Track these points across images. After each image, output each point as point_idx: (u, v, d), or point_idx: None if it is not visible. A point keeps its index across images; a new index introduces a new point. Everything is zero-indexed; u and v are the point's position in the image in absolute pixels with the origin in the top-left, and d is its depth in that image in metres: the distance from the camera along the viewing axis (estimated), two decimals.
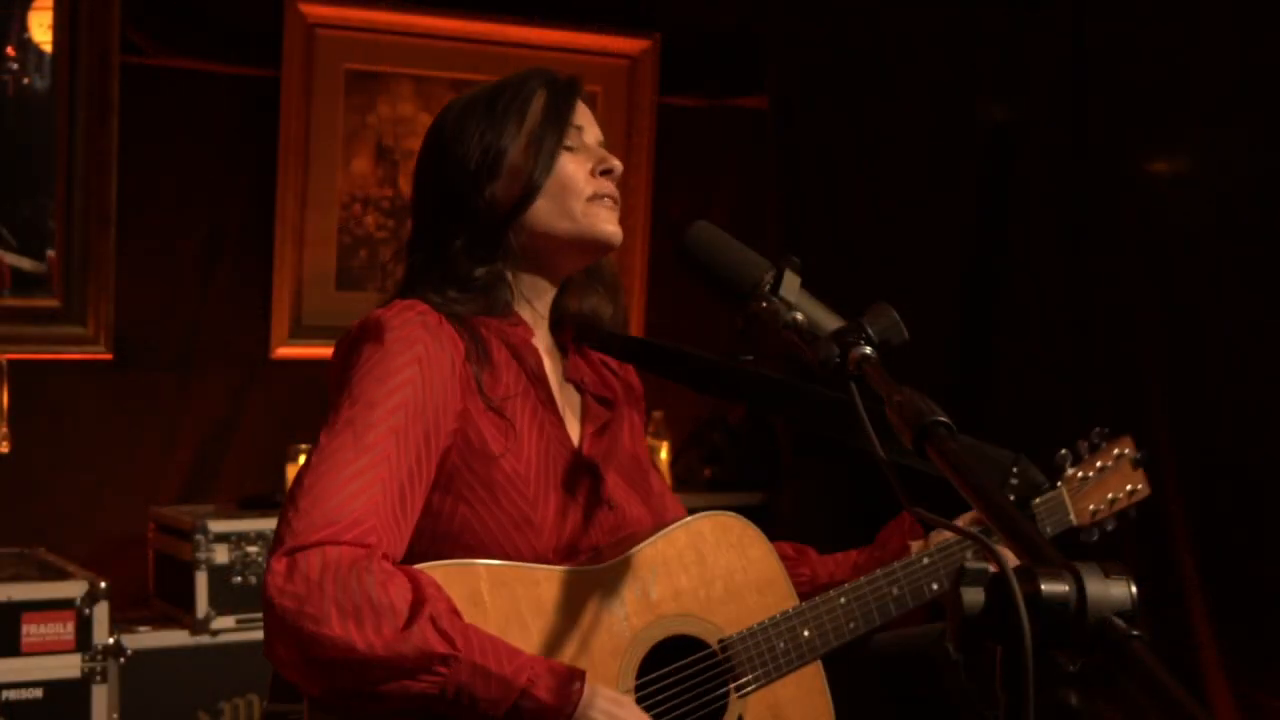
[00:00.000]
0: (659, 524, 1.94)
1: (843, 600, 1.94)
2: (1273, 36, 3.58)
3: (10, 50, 3.98)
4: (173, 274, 4.36)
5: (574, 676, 1.68)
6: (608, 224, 1.91)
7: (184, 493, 4.32)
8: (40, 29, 4.00)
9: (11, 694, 3.49)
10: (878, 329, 1.52)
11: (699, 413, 4.93)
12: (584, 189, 1.90)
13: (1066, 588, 1.07)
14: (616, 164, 1.94)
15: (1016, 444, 4.00)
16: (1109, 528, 2.24)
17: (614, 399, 2.00)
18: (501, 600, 1.73)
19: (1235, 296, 3.68)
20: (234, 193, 4.42)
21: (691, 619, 1.86)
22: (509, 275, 1.89)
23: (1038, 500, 2.14)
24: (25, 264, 4.04)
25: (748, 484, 4.78)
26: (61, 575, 3.66)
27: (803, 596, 1.97)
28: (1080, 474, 2.22)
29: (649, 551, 1.85)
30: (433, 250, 1.88)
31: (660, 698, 1.82)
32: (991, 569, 1.12)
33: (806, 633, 1.91)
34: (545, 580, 1.77)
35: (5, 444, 3.76)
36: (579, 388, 1.97)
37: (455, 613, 1.65)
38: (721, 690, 1.86)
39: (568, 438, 1.90)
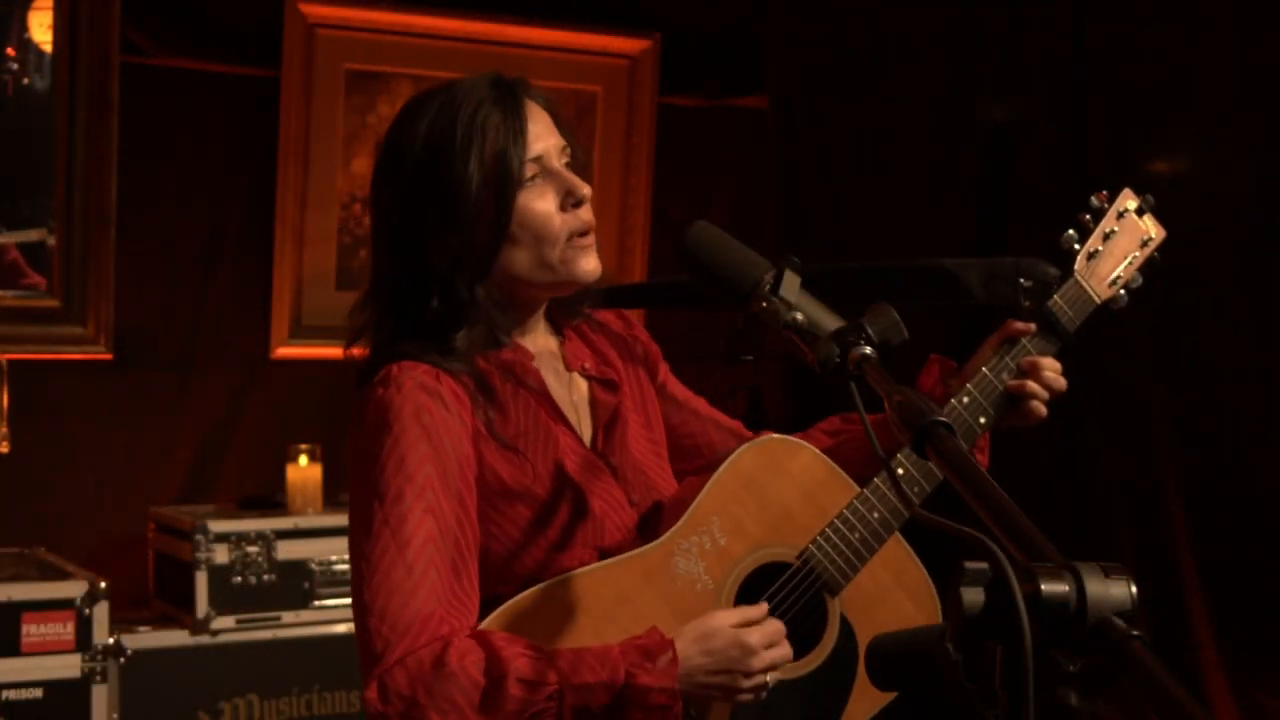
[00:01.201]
0: (688, 478, 1.98)
1: (900, 472, 1.94)
2: (1273, 36, 3.58)
3: (10, 50, 3.98)
4: (173, 274, 4.36)
5: (662, 646, 1.72)
6: (588, 263, 1.86)
7: (184, 493, 4.33)
8: (40, 29, 4.00)
9: (11, 694, 3.49)
10: (878, 329, 1.52)
11: None
12: (558, 232, 1.82)
13: (1066, 588, 1.07)
14: (585, 191, 1.84)
15: (1017, 443, 3.99)
16: (1136, 286, 2.17)
17: (618, 379, 1.99)
18: (587, 608, 1.79)
19: (1235, 296, 3.68)
20: (234, 193, 4.43)
21: (766, 549, 1.91)
22: (489, 320, 1.84)
23: (1056, 295, 2.09)
24: (32, 235, 4.03)
25: None
26: (61, 575, 3.66)
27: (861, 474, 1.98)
28: (1090, 250, 2.15)
29: (703, 506, 1.88)
30: (405, 311, 1.82)
31: None
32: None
33: (875, 514, 1.93)
34: (619, 573, 1.82)
35: (5, 444, 3.76)
36: (583, 374, 1.97)
37: (529, 651, 1.70)
38: (817, 598, 1.91)
39: (581, 445, 1.91)
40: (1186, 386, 3.75)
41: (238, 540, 3.87)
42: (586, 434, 1.93)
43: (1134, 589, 1.08)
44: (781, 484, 1.94)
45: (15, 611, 3.52)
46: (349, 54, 4.44)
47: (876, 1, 4.43)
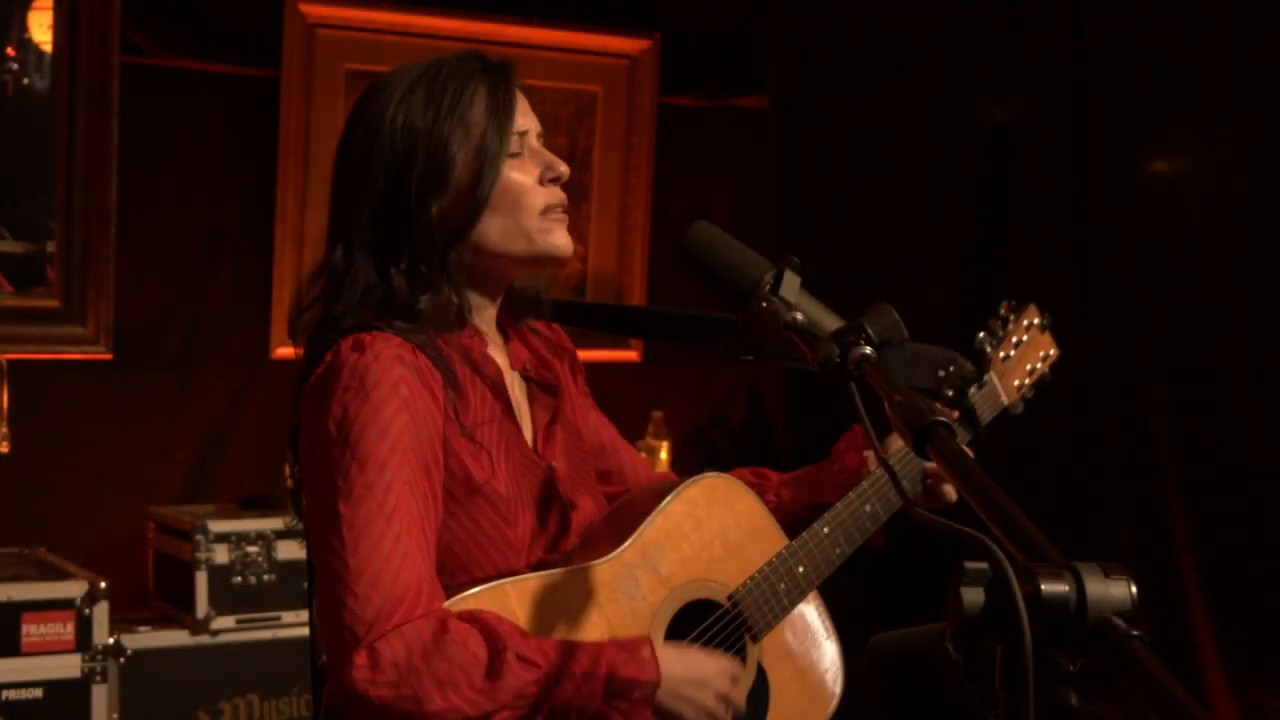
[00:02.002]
0: (619, 492, 2.03)
1: (826, 530, 2.03)
2: (1273, 36, 3.58)
3: (10, 50, 3.98)
4: (173, 274, 4.36)
5: (642, 644, 1.75)
6: (561, 238, 1.87)
7: (184, 493, 4.32)
8: (40, 29, 4.00)
9: (11, 694, 3.49)
10: (878, 329, 1.52)
11: (699, 413, 4.93)
12: (536, 203, 1.84)
13: (1066, 587, 1.07)
14: (564, 169, 1.88)
15: (1017, 443, 3.99)
16: (1029, 396, 2.31)
17: (556, 381, 2.00)
18: (531, 612, 1.78)
19: (1235, 296, 3.68)
20: (234, 193, 4.42)
21: (700, 583, 1.94)
22: (455, 295, 1.85)
23: (973, 390, 2.19)
24: (18, 248, 4.03)
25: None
26: (61, 575, 3.66)
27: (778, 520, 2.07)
28: (1002, 354, 2.27)
29: (650, 530, 1.90)
30: (369, 275, 1.81)
31: None
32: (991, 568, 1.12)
33: (801, 569, 2.00)
34: (562, 584, 1.82)
35: (5, 444, 3.76)
36: (524, 375, 1.97)
37: (525, 635, 1.71)
38: (740, 641, 1.95)
39: (526, 445, 1.91)
40: (1186, 386, 3.75)
41: (238, 540, 3.87)
42: (528, 435, 1.93)
43: (1134, 589, 1.08)
44: (725, 522, 1.99)
45: (15, 611, 3.52)
46: (349, 54, 4.44)
47: (876, 1, 4.43)
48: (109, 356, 4.17)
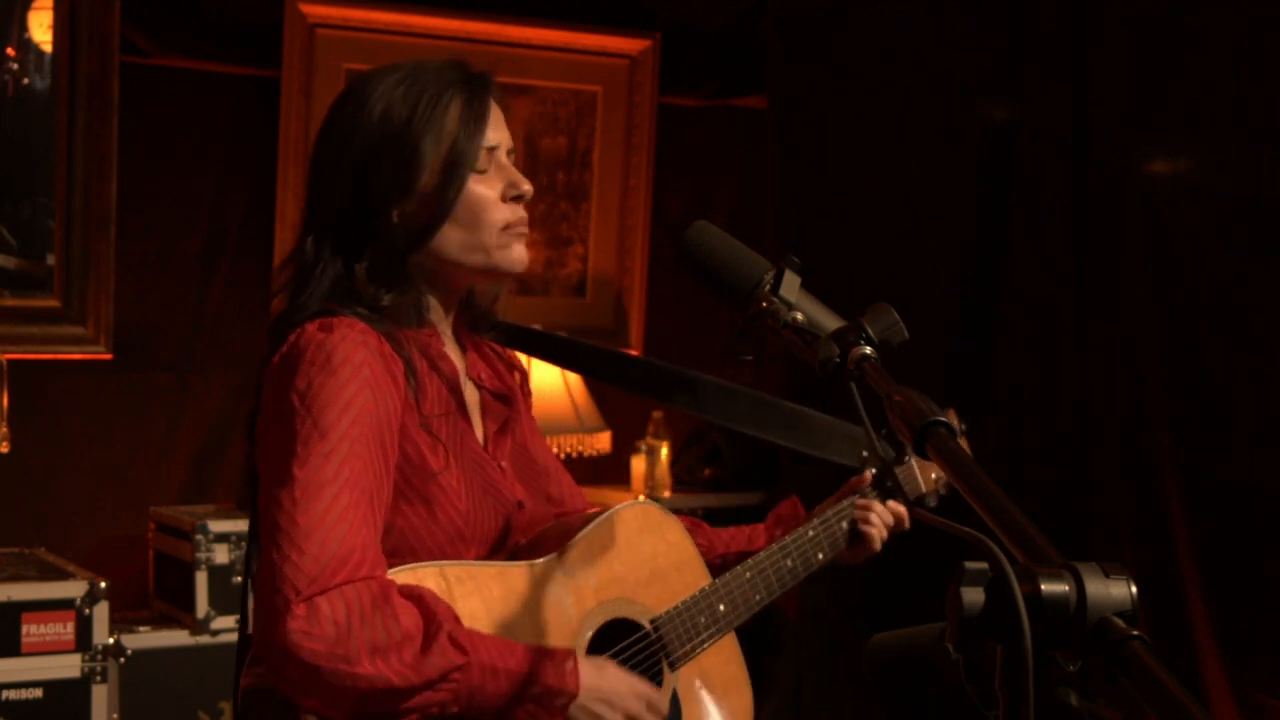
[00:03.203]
0: (562, 511, 2.08)
1: (748, 575, 2.10)
2: (1273, 37, 3.58)
3: (10, 50, 3.98)
4: (173, 274, 4.36)
5: (567, 655, 1.78)
6: (516, 253, 1.89)
7: (184, 493, 4.33)
8: (40, 29, 4.00)
9: (11, 694, 3.49)
10: (878, 329, 1.53)
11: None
12: (496, 220, 1.87)
13: (1066, 587, 1.07)
14: (527, 188, 1.90)
15: (1016, 443, 3.99)
16: (943, 493, 2.35)
17: (509, 393, 2.02)
18: (463, 599, 1.80)
19: (1235, 296, 3.68)
20: (234, 193, 4.43)
21: (626, 602, 1.98)
22: (416, 291, 1.88)
23: (899, 469, 2.26)
24: (11, 263, 4.04)
25: (748, 484, 4.78)
26: (61, 575, 3.66)
27: (706, 562, 2.13)
28: (914, 460, 2.32)
29: (584, 544, 1.94)
30: (336, 267, 1.84)
31: None
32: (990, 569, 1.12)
33: (722, 607, 2.05)
34: (497, 577, 1.85)
35: (5, 444, 3.76)
36: (476, 384, 1.99)
37: (459, 621, 1.71)
38: (656, 666, 1.99)
39: (478, 443, 1.93)
40: (1186, 386, 3.75)
41: (238, 540, 3.87)
42: (479, 436, 1.95)
43: (1134, 589, 1.08)
44: (656, 549, 2.03)
45: (15, 611, 3.52)
46: (349, 54, 4.43)
47: (876, 1, 4.43)
48: (109, 356, 4.17)
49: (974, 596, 1.11)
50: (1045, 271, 4.05)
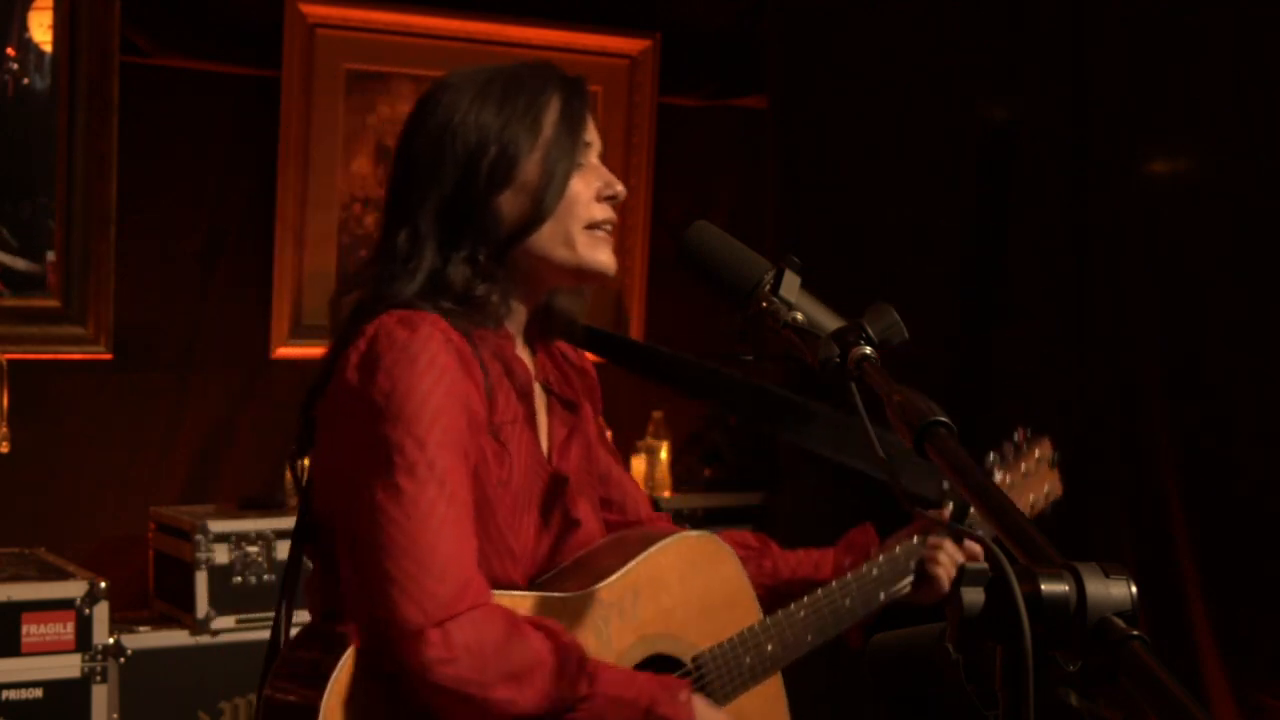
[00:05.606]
0: (622, 521, 2.04)
1: (802, 614, 2.02)
2: (1273, 36, 3.58)
3: (10, 50, 3.98)
4: (173, 274, 4.36)
5: (680, 686, 1.80)
6: (604, 254, 1.89)
7: (184, 493, 4.32)
8: (40, 29, 4.00)
9: (11, 694, 3.49)
10: (878, 329, 1.53)
11: (699, 413, 4.93)
12: (585, 215, 1.87)
13: (1066, 588, 1.07)
14: (621, 190, 1.92)
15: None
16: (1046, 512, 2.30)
17: (577, 399, 2.00)
18: None
19: (1235, 296, 3.68)
20: (234, 193, 4.42)
21: (670, 638, 1.93)
22: (504, 287, 1.86)
23: (972, 510, 2.14)
24: (19, 264, 4.04)
25: (748, 484, 4.78)
26: (61, 575, 3.66)
27: (763, 587, 2.08)
28: (1008, 479, 2.27)
29: (634, 573, 1.89)
30: (433, 259, 1.82)
31: None
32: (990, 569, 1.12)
33: (770, 647, 1.99)
34: (539, 607, 1.81)
35: (5, 444, 3.76)
36: (545, 388, 1.96)
37: (584, 649, 1.74)
38: None
39: (542, 453, 1.91)
40: (1186, 386, 3.75)
41: (238, 540, 3.87)
42: (544, 445, 1.93)
43: (1134, 589, 1.08)
44: (708, 583, 1.98)
45: (15, 611, 3.52)
46: (349, 54, 4.43)
47: (876, 1, 4.43)
48: (109, 356, 4.17)
49: (974, 596, 1.11)
50: (1045, 271, 4.05)
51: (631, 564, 1.88)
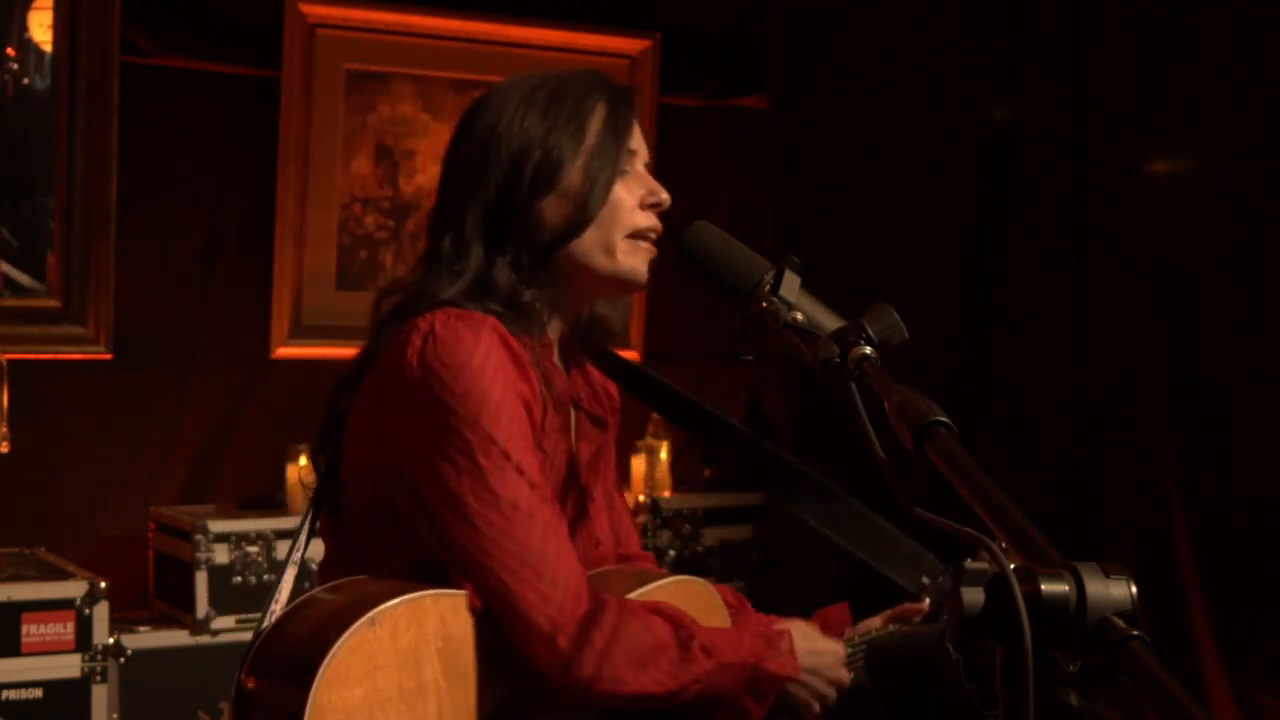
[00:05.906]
0: (621, 554, 2.05)
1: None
2: (1273, 36, 3.58)
3: (10, 50, 3.98)
4: (173, 274, 4.36)
5: (781, 636, 1.89)
6: (642, 265, 1.89)
7: (184, 493, 4.32)
8: (40, 29, 4.00)
9: (11, 694, 3.49)
10: (878, 329, 1.52)
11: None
12: (628, 222, 1.87)
13: (1066, 588, 1.07)
14: (666, 198, 1.91)
15: (1017, 442, 3.97)
16: None
17: (605, 418, 2.00)
18: None
19: (1235, 296, 3.68)
20: (234, 193, 4.42)
21: None
22: (549, 293, 1.85)
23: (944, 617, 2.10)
24: (24, 279, 4.04)
25: (747, 484, 4.77)
26: (61, 575, 3.66)
27: None
28: None
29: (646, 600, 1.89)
30: (479, 263, 1.82)
31: None
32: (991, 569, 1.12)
33: None
34: None
35: (5, 444, 3.76)
36: (575, 403, 1.96)
37: (695, 624, 1.82)
38: None
39: (575, 467, 1.91)
40: (1186, 386, 3.75)
41: (238, 540, 3.87)
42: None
43: (1134, 589, 1.08)
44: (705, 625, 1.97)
45: (15, 611, 3.52)
46: (349, 54, 4.43)
47: (876, 1, 4.43)
48: (109, 356, 4.17)
49: (974, 596, 1.11)
50: (1045, 271, 4.05)
51: (636, 594, 1.87)
